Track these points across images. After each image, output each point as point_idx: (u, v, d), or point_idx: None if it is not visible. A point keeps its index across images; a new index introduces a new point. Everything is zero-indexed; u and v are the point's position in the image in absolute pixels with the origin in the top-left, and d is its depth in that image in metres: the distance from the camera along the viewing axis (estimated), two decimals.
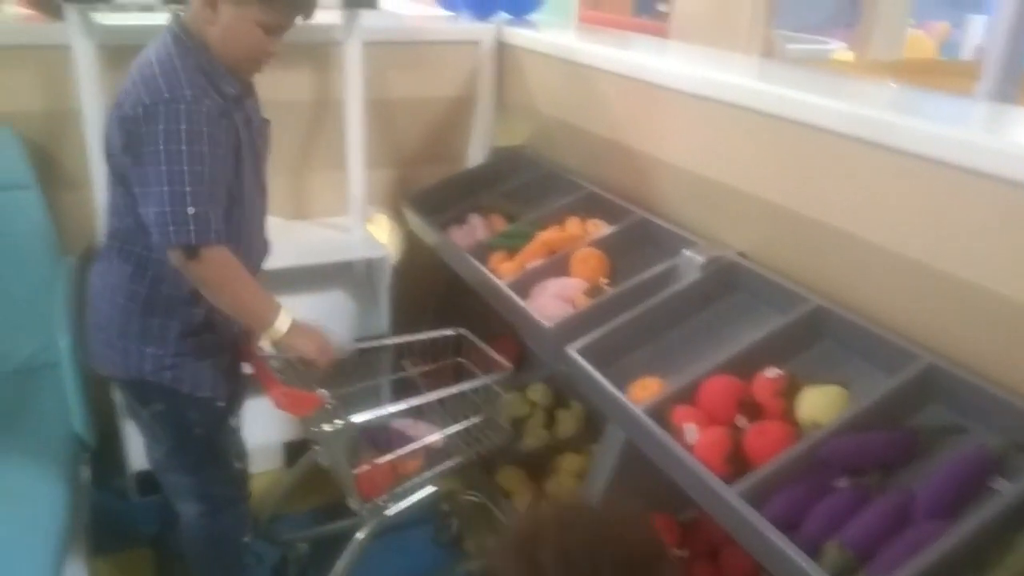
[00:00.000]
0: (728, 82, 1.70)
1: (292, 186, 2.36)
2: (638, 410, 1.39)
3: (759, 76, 1.86)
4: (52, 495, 1.64)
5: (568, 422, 2.27)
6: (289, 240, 2.25)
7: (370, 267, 2.29)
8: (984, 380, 1.22)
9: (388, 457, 1.75)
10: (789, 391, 1.34)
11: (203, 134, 1.37)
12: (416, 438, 1.81)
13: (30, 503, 1.61)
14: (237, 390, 1.73)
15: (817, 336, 1.49)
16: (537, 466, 2.13)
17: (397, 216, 2.46)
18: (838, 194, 1.48)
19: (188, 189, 1.36)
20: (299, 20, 1.49)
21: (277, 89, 2.21)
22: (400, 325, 2.43)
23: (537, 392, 2.38)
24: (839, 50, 5.54)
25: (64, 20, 1.82)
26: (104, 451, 1.93)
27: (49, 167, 2.02)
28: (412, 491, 1.81)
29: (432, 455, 1.83)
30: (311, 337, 1.59)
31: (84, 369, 1.83)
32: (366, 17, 2.07)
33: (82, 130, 1.88)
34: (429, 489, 1.84)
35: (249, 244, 1.59)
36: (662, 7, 4.08)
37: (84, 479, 1.80)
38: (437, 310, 2.57)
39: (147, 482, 2.02)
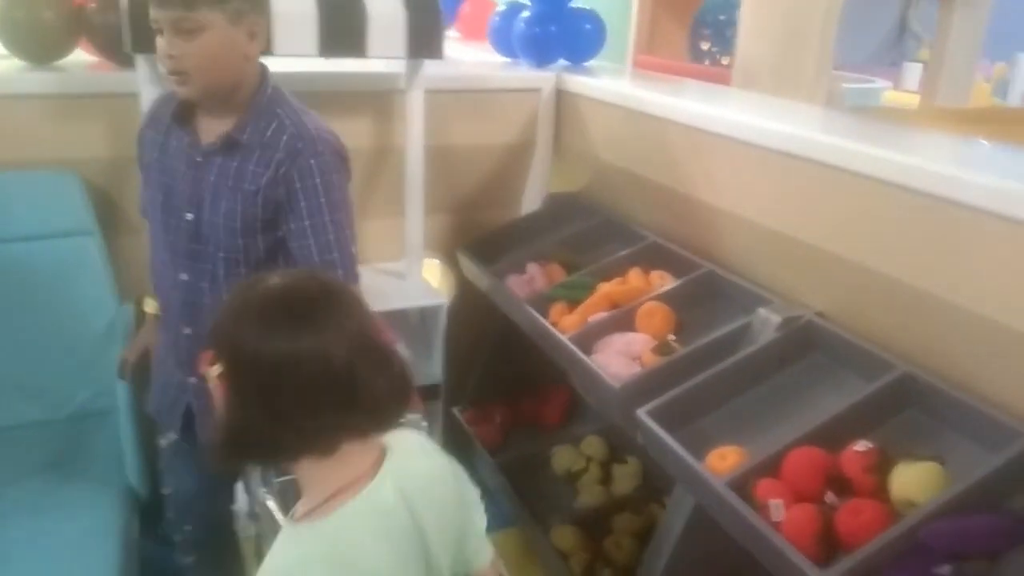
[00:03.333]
0: (799, 135, 1.65)
1: None
2: (720, 484, 1.32)
3: (831, 129, 1.81)
4: (103, 548, 1.61)
5: (625, 479, 2.20)
6: None
7: (424, 314, 2.26)
8: None
9: None
10: (880, 466, 1.27)
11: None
12: None
13: (80, 556, 1.58)
14: None
15: (904, 405, 1.41)
16: (594, 525, 2.06)
17: (450, 262, 2.44)
18: (923, 254, 1.41)
19: None
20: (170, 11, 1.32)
21: (340, 136, 2.23)
22: (451, 373, 2.39)
23: (592, 446, 2.32)
24: (886, 90, 5.46)
25: (133, 68, 1.84)
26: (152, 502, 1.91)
27: (112, 213, 2.03)
28: None
29: None
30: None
31: (137, 418, 1.81)
32: (429, 66, 2.06)
33: None
34: None
35: (157, 268, 1.59)
36: (721, 58, 4.05)
37: (134, 531, 1.77)
38: (488, 360, 2.53)
39: None
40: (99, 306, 1.95)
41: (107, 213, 2.01)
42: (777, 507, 1.25)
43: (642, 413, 1.52)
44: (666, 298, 1.84)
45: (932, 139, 1.85)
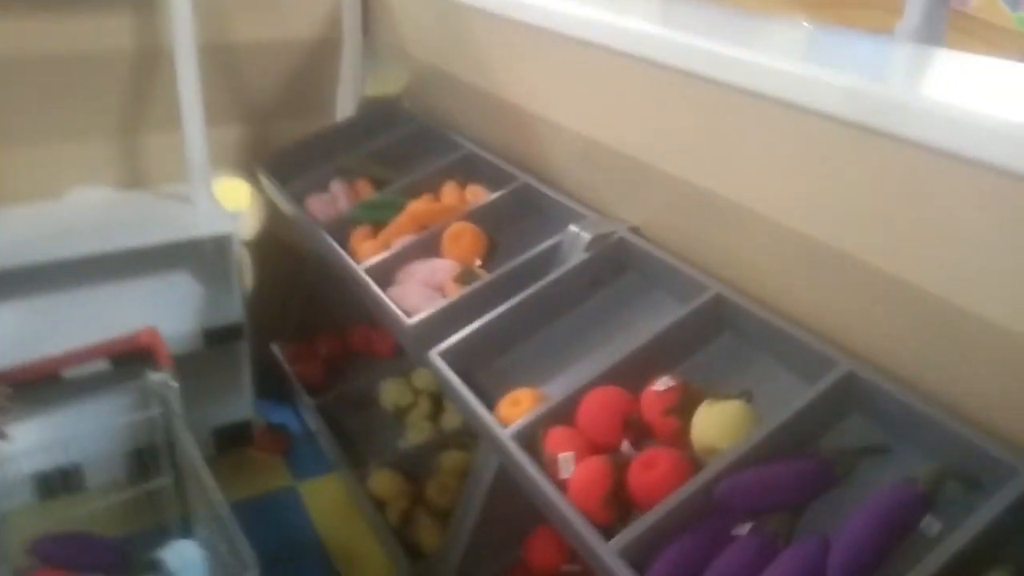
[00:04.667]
0: (616, 24, 1.41)
1: (123, 150, 1.99)
2: (505, 436, 1.14)
3: (656, 18, 1.58)
4: None
5: (456, 412, 2.02)
6: (120, 215, 1.92)
7: (219, 243, 1.97)
8: (911, 393, 1.01)
9: None
10: (683, 406, 1.11)
11: None
12: None
13: None
14: None
15: (719, 329, 1.26)
16: (419, 465, 1.89)
17: (256, 181, 2.14)
18: (743, 163, 1.23)
19: None
20: None
21: (93, 37, 1.85)
22: (263, 310, 2.13)
23: (423, 378, 2.13)
24: None
25: None
26: None
27: None
28: None
29: None
30: None
31: None
32: None
33: None
34: None
35: None
36: None
37: None
38: (310, 289, 2.28)
39: None
40: None
41: None
42: (567, 461, 1.09)
43: (434, 355, 1.32)
44: (476, 217, 1.62)
45: (767, 28, 1.65)
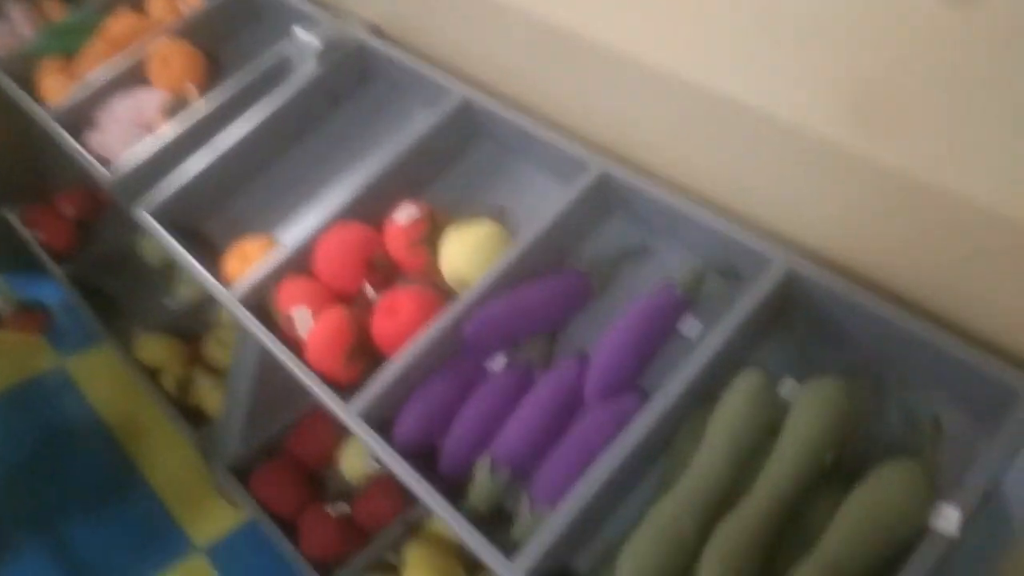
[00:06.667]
0: None
1: None
2: (233, 302, 0.98)
3: None
4: None
5: None
6: None
7: None
8: (667, 191, 0.92)
9: None
10: (432, 235, 0.98)
11: None
12: None
13: None
14: None
15: (475, 138, 1.11)
16: (190, 325, 1.70)
17: None
18: None
19: None
20: None
21: None
22: None
23: None
24: None
25: None
26: None
27: None
28: None
29: None
30: None
31: None
32: None
33: None
34: None
35: None
36: None
37: None
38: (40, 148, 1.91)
39: None
40: None
41: None
42: (303, 317, 0.94)
43: (142, 212, 1.10)
44: (188, 31, 1.34)
45: None
